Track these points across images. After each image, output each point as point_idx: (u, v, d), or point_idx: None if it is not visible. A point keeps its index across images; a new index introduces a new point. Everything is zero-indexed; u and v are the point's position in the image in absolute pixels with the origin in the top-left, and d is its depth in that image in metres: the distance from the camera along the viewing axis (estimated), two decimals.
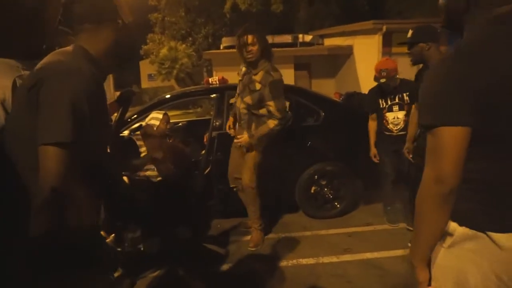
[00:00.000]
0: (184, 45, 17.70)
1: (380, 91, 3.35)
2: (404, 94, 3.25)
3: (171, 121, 4.04)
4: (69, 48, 1.17)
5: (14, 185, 1.10)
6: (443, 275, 1.14)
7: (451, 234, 1.11)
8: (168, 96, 4.04)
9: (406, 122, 3.23)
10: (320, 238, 3.38)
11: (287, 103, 4.55)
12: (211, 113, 4.04)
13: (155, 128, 3.45)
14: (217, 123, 3.57)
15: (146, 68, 24.33)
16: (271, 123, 2.97)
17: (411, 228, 3.32)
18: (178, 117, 9.45)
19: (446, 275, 1.13)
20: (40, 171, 0.97)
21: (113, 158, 2.88)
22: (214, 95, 3.74)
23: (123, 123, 3.14)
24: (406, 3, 15.17)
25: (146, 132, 3.45)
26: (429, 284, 1.14)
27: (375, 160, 3.43)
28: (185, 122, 4.92)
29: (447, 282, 1.13)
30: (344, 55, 11.86)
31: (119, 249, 2.67)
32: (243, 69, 3.15)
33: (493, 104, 0.99)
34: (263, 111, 3.01)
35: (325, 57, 12.09)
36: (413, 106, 3.16)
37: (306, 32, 13.92)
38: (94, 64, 1.16)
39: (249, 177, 3.11)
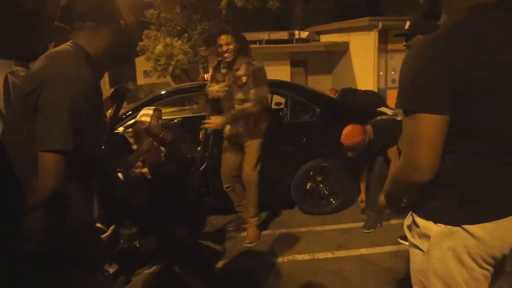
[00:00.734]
0: (179, 42, 17.61)
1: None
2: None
3: (167, 117, 4.04)
4: (68, 47, 1.17)
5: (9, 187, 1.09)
6: (429, 280, 1.13)
7: (427, 236, 1.10)
8: (163, 92, 4.03)
9: None
10: (315, 234, 3.39)
11: (283, 100, 4.56)
12: (207, 109, 4.03)
13: (146, 124, 3.44)
14: None
15: (141, 64, 24.16)
16: (247, 105, 3.00)
17: (366, 231, 3.36)
18: (174, 114, 9.42)
19: (432, 280, 1.12)
20: (39, 174, 1.00)
21: (107, 154, 2.88)
22: None
23: (117, 119, 3.12)
24: (403, 1, 15.18)
25: (138, 129, 3.45)
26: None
27: (362, 205, 3.51)
28: (180, 119, 4.91)
29: (435, 286, 1.12)
30: (340, 52, 11.85)
31: (114, 245, 2.67)
32: (223, 70, 3.15)
33: (473, 93, 0.97)
34: None
35: (321, 54, 12.08)
36: (389, 152, 3.08)
37: (302, 28, 13.89)
38: (91, 64, 1.16)
39: (251, 170, 3.13)
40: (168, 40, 17.45)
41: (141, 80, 25.84)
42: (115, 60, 1.30)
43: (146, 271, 2.84)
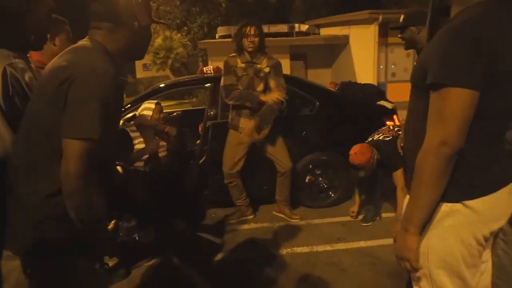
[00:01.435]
0: (179, 35, 17.51)
1: None
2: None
3: (166, 111, 4.03)
4: (87, 43, 1.21)
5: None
6: (429, 260, 1.18)
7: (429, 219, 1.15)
8: (162, 85, 4.01)
9: None
10: (314, 227, 3.41)
11: None
12: (206, 103, 4.02)
13: (148, 119, 3.43)
14: (212, 113, 3.56)
15: None
16: (272, 96, 3.14)
17: (364, 224, 3.37)
18: (173, 107, 9.40)
19: (432, 259, 1.17)
20: (63, 161, 1.06)
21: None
22: (208, 84, 3.72)
23: None
24: None
25: (141, 123, 3.44)
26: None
27: (352, 215, 3.49)
28: (180, 112, 4.90)
29: (435, 265, 1.17)
30: (340, 45, 11.80)
31: (114, 238, 2.68)
32: (241, 65, 3.23)
33: (496, 76, 1.03)
34: None
35: (321, 47, 12.03)
36: (394, 175, 3.03)
37: (302, 21, 13.82)
38: (111, 60, 1.21)
39: (288, 160, 3.33)
40: (167, 33, 17.34)
41: (140, 74, 25.71)
42: (129, 59, 1.34)
43: (146, 264, 2.86)
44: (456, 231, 1.13)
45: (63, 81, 1.08)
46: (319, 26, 13.36)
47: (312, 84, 4.39)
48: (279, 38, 11.83)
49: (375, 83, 9.81)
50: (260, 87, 3.22)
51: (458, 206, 1.12)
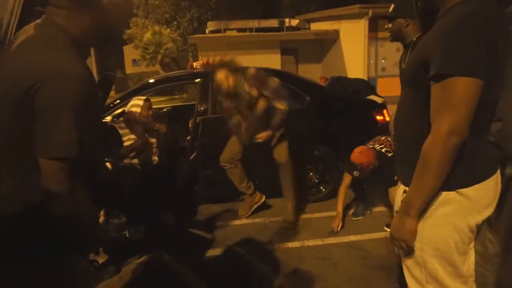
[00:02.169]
0: (168, 30, 17.34)
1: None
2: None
3: (155, 106, 3.99)
4: (47, 30, 1.04)
5: None
6: (423, 248, 1.20)
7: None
8: (151, 81, 3.97)
9: None
10: (305, 221, 3.42)
11: None
12: (196, 98, 3.99)
13: (136, 115, 3.39)
14: (202, 108, 3.53)
15: (130, 53, 23.76)
16: (279, 106, 3.12)
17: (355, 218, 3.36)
18: (163, 103, 9.33)
19: (427, 248, 1.20)
20: (42, 179, 0.95)
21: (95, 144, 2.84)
22: (198, 79, 3.69)
23: (104, 108, 3.07)
24: None
25: (130, 119, 3.40)
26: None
27: (337, 229, 3.16)
28: (169, 108, 4.86)
29: (428, 254, 1.20)
30: (330, 40, 11.83)
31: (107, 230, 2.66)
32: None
33: (493, 69, 1.06)
34: None
35: (311, 42, 12.04)
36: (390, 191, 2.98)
37: (292, 16, 13.81)
38: (77, 47, 1.05)
39: (285, 153, 3.30)
40: (156, 28, 17.17)
41: (129, 69, 25.45)
42: (98, 41, 1.16)
43: (136, 261, 2.84)
44: (450, 219, 1.16)
45: (28, 89, 0.93)
46: (309, 21, 13.36)
47: (303, 79, 4.39)
48: (269, 33, 11.80)
49: (366, 78, 9.86)
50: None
51: (452, 194, 1.15)
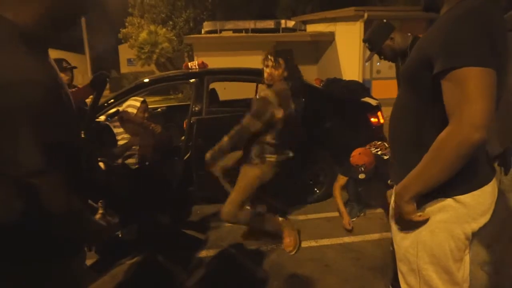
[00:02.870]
0: (164, 29, 17.29)
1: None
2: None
3: (150, 106, 3.97)
4: None
5: None
6: (418, 255, 1.19)
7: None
8: (146, 80, 3.95)
9: None
10: (299, 223, 3.42)
11: None
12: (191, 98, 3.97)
13: (131, 116, 3.38)
14: (197, 108, 3.52)
15: (125, 52, 23.70)
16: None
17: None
18: (158, 103, 9.30)
19: (422, 254, 1.19)
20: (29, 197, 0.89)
21: (88, 143, 2.82)
22: (193, 80, 3.68)
23: (97, 107, 3.05)
24: None
25: (123, 118, 3.38)
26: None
27: (349, 227, 3.16)
28: (164, 108, 4.85)
29: (423, 261, 1.19)
30: (326, 42, 11.86)
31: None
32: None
33: (498, 60, 1.02)
34: None
35: (307, 43, 12.07)
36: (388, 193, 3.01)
37: (288, 17, 13.83)
38: (29, 42, 0.86)
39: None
40: (152, 27, 17.11)
41: (124, 69, 25.37)
42: (56, 25, 0.95)
43: (129, 261, 2.82)
44: (446, 226, 1.15)
45: None
46: (305, 23, 13.39)
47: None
48: (265, 34, 11.81)
49: (360, 80, 9.91)
50: None
51: (448, 201, 1.13)
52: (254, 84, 4.27)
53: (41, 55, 0.92)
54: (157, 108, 4.83)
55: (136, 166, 3.28)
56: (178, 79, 4.32)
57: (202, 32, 13.14)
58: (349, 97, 3.97)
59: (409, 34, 2.62)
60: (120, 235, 2.85)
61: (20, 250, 1.01)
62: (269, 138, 2.70)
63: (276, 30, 12.33)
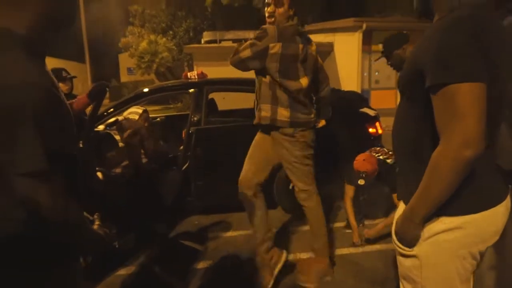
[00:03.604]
0: (164, 39, 17.43)
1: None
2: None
3: (150, 115, 3.98)
4: None
5: None
6: (422, 275, 1.14)
7: (423, 236, 1.11)
8: (145, 90, 3.96)
9: None
10: (297, 234, 3.40)
11: None
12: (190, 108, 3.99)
13: (133, 122, 3.40)
14: (195, 118, 3.52)
15: (125, 61, 23.83)
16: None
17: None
18: (158, 112, 9.31)
19: (426, 274, 1.14)
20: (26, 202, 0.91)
21: (87, 153, 2.81)
22: (192, 90, 3.69)
23: (96, 117, 3.05)
24: (386, 2, 15.38)
25: (122, 125, 3.39)
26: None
27: (357, 242, 3.10)
28: (163, 117, 4.85)
29: (428, 281, 1.14)
30: (325, 52, 11.94)
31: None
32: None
33: (493, 71, 1.00)
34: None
35: None
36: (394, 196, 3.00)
37: None
38: (26, 46, 0.91)
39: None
40: (152, 37, 17.25)
41: (124, 77, 25.49)
42: (54, 30, 1.00)
43: (125, 271, 2.79)
44: (452, 246, 1.10)
45: None
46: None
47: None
48: None
49: (359, 90, 9.97)
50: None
51: (456, 221, 1.08)
52: (253, 94, 4.28)
53: (39, 61, 0.95)
54: (156, 117, 4.84)
55: (134, 176, 3.27)
56: (178, 89, 4.33)
57: (202, 41, 13.24)
58: (348, 108, 3.98)
59: None
60: (117, 245, 2.83)
61: (18, 256, 1.01)
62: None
63: None
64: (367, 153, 3.10)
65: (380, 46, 2.99)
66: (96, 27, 17.22)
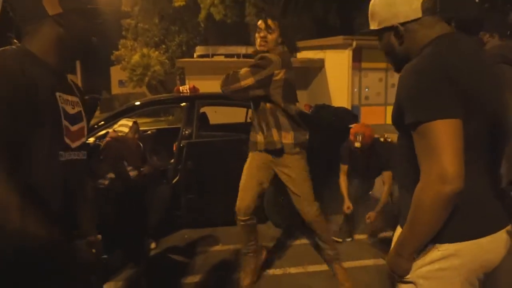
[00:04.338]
0: (157, 52, 17.53)
1: (353, 151, 3.37)
2: (370, 159, 3.32)
3: (140, 128, 3.96)
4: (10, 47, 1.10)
5: None
6: None
7: (425, 263, 1.10)
8: (137, 103, 3.97)
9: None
10: (288, 248, 3.39)
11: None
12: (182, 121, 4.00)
13: (123, 135, 3.37)
14: (187, 132, 3.54)
15: (117, 74, 23.85)
16: None
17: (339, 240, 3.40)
18: (149, 125, 9.29)
19: None
20: None
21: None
22: (184, 103, 3.71)
23: (88, 130, 3.04)
24: None
25: (112, 138, 3.37)
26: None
27: (348, 211, 3.37)
28: (154, 130, 4.84)
29: None
30: (316, 68, 12.12)
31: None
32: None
33: (468, 104, 1.01)
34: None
35: (297, 69, 12.16)
36: (385, 174, 3.27)
37: None
38: (40, 65, 1.08)
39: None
40: (145, 50, 17.33)
41: (116, 90, 25.45)
42: (68, 57, 1.21)
43: (114, 286, 2.75)
44: (448, 274, 1.08)
45: None
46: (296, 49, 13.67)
47: None
48: None
49: (349, 106, 10.10)
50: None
51: (451, 247, 1.06)
52: (245, 109, 4.32)
53: (46, 76, 1.09)
54: (147, 130, 4.83)
55: (121, 189, 3.24)
56: (169, 102, 4.36)
57: (194, 56, 13.32)
58: (338, 123, 4.03)
59: None
60: (105, 260, 2.79)
61: None
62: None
63: None
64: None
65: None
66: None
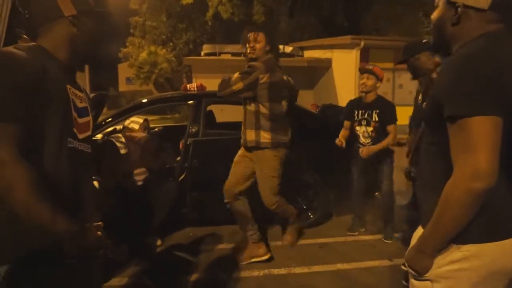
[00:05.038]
0: (164, 50, 17.57)
1: (357, 103, 3.43)
2: (374, 112, 3.30)
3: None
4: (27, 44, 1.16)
5: None
6: None
7: (445, 263, 1.09)
8: (144, 100, 3.99)
9: (375, 137, 3.31)
10: (292, 248, 3.39)
11: None
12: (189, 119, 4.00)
13: (134, 131, 3.43)
14: (193, 130, 3.54)
15: (124, 71, 23.95)
16: None
17: (388, 241, 3.39)
18: (155, 122, 9.32)
19: None
20: None
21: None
22: (191, 101, 3.72)
23: (95, 126, 3.06)
24: (383, 21, 15.67)
25: (128, 136, 3.43)
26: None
27: (338, 143, 3.38)
28: (161, 128, 4.86)
29: None
30: (323, 68, 12.08)
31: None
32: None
33: (508, 103, 0.99)
34: None
35: (304, 69, 12.27)
36: (389, 127, 3.27)
37: (286, 43, 14.09)
38: (53, 59, 1.15)
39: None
40: (152, 48, 17.38)
41: (123, 87, 25.57)
42: (82, 57, 1.27)
43: (117, 283, 2.76)
44: (467, 275, 1.07)
45: None
46: (303, 49, 13.65)
47: (294, 105, 4.44)
48: None
49: None
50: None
51: (473, 249, 1.06)
52: None
53: (59, 72, 1.15)
54: (154, 127, 4.85)
55: (128, 186, 3.26)
56: (176, 100, 4.36)
57: (202, 54, 13.34)
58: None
59: (437, 58, 2.72)
60: (110, 256, 2.81)
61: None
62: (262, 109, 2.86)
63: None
64: None
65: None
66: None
